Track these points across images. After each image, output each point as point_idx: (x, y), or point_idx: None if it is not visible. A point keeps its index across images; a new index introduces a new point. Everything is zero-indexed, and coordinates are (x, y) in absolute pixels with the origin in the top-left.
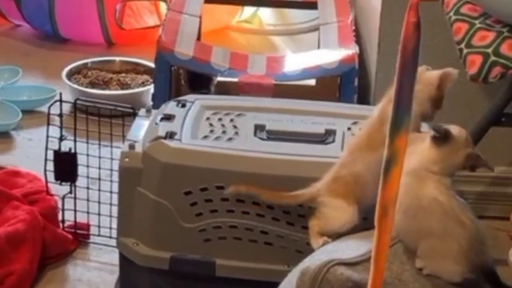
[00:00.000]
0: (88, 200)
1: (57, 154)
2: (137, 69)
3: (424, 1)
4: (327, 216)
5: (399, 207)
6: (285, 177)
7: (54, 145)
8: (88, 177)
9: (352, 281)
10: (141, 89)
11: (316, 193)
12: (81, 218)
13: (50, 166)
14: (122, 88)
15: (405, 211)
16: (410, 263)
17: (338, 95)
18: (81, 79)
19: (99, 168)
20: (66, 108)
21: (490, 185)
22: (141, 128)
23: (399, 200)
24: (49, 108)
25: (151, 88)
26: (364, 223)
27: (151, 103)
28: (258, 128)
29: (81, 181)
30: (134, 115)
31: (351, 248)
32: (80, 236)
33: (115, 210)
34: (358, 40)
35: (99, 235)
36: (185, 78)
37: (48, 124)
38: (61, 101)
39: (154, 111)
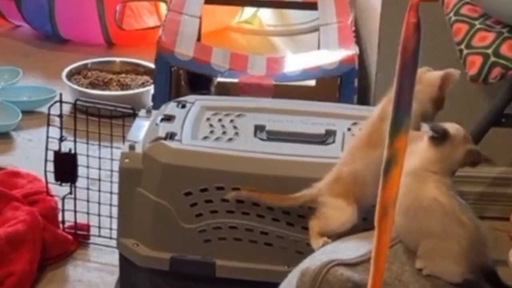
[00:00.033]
0: (88, 200)
1: (57, 154)
2: (137, 69)
3: (424, 1)
4: (326, 216)
5: (399, 207)
6: (285, 178)
7: (54, 145)
8: (88, 177)
9: (352, 282)
10: (141, 89)
11: (317, 193)
12: (81, 219)
13: (50, 166)
14: (122, 89)
15: (405, 212)
16: (410, 264)
17: (338, 96)
18: (81, 79)
19: (99, 168)
20: (66, 108)
21: (490, 186)
22: (141, 129)
23: (399, 200)
24: (49, 108)
25: (151, 89)
26: (364, 224)
27: (151, 103)
28: (258, 128)
29: (81, 182)
30: (134, 115)
31: (351, 248)
32: (80, 237)
33: (115, 210)
34: (358, 40)
35: (99, 236)
36: (185, 79)
37: (48, 124)
38: (61, 101)
39: (154, 112)
